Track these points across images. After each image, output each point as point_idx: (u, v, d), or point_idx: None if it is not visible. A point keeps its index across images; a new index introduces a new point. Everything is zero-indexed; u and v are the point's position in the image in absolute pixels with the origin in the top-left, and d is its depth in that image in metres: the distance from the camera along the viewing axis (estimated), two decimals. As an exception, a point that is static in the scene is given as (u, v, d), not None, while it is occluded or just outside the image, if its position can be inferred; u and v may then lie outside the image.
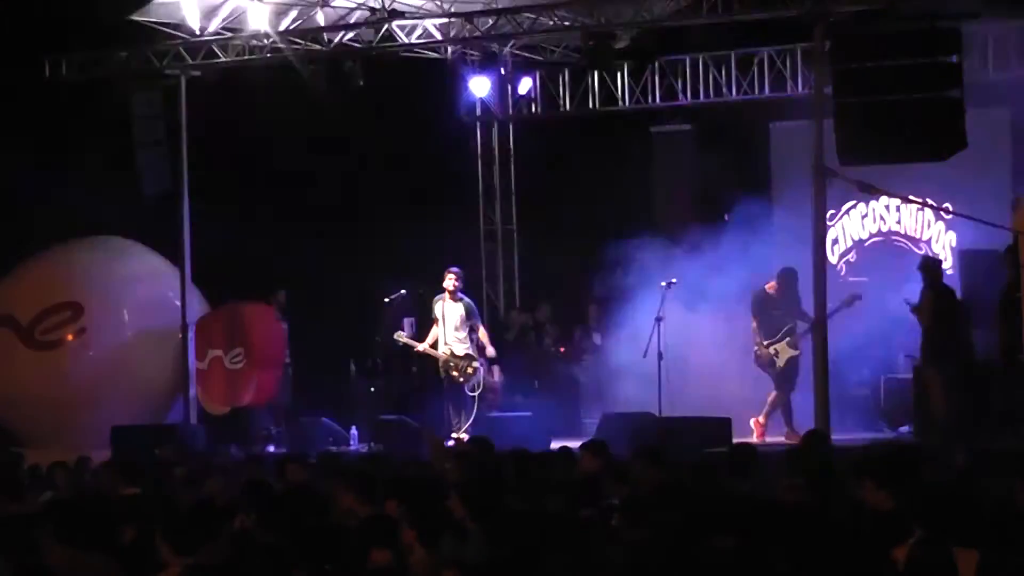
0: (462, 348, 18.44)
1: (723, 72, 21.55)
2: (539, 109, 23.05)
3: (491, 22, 18.89)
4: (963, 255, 19.06)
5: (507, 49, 21.57)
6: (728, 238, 19.28)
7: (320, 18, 19.46)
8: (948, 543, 7.82)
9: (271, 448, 19.23)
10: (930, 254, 18.96)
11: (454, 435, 17.91)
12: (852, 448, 15.17)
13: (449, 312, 18.48)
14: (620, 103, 22.28)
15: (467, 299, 18.75)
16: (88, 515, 9.15)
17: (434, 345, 18.52)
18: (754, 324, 18.28)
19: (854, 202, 20.43)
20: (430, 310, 18.68)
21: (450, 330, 18.46)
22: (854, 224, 20.76)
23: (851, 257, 20.71)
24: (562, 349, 21.19)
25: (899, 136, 15.87)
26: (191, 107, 19.60)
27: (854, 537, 8.41)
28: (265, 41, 19.37)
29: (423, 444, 15.69)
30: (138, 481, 12.37)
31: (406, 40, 19.20)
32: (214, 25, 19.27)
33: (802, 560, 7.81)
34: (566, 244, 21.11)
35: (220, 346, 20.04)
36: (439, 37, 19.34)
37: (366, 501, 10.31)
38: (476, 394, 18.39)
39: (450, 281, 18.47)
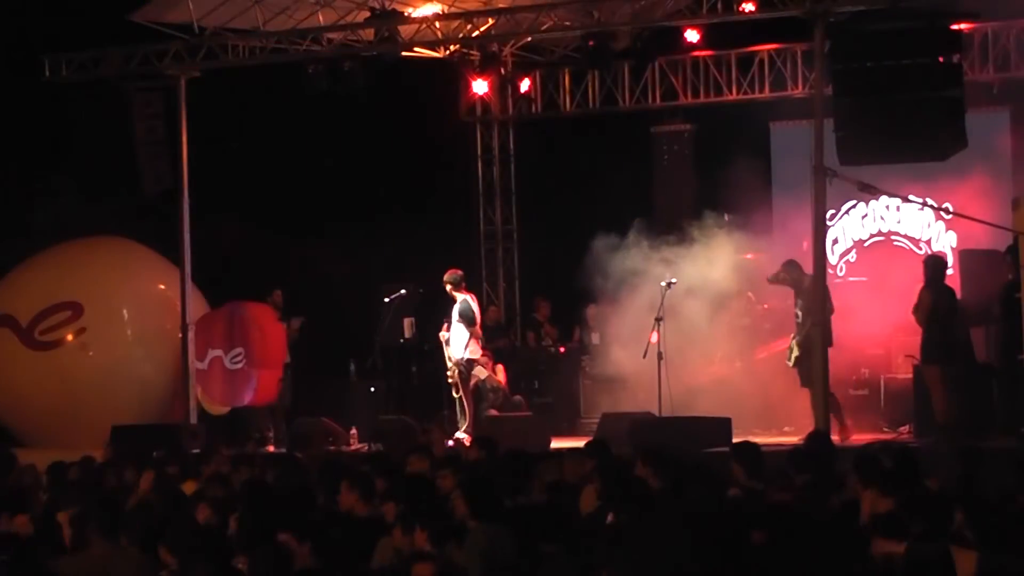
0: (454, 350, 18.56)
1: (723, 72, 21.57)
2: (539, 109, 23.05)
3: (491, 22, 18.89)
4: (963, 255, 19.06)
5: (507, 49, 21.56)
6: (728, 238, 19.30)
7: (320, 18, 19.45)
8: (946, 542, 7.82)
9: (271, 448, 19.23)
10: (935, 253, 18.94)
11: (457, 434, 17.97)
12: (852, 448, 15.17)
13: (454, 311, 18.62)
14: (620, 103, 22.30)
15: (463, 298, 18.74)
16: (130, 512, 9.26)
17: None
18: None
19: (854, 202, 20.44)
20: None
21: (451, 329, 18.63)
22: (854, 224, 20.76)
23: (851, 257, 20.72)
24: (562, 349, 21.18)
25: (899, 136, 15.87)
26: (191, 107, 19.59)
27: (849, 536, 8.43)
28: (265, 41, 19.37)
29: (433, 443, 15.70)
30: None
31: (406, 40, 19.20)
32: (214, 25, 19.26)
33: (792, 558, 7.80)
34: (566, 244, 21.11)
35: (220, 346, 20.02)
36: (439, 37, 19.33)
37: (367, 501, 10.32)
38: (457, 396, 18.47)
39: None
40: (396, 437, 17.90)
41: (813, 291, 16.97)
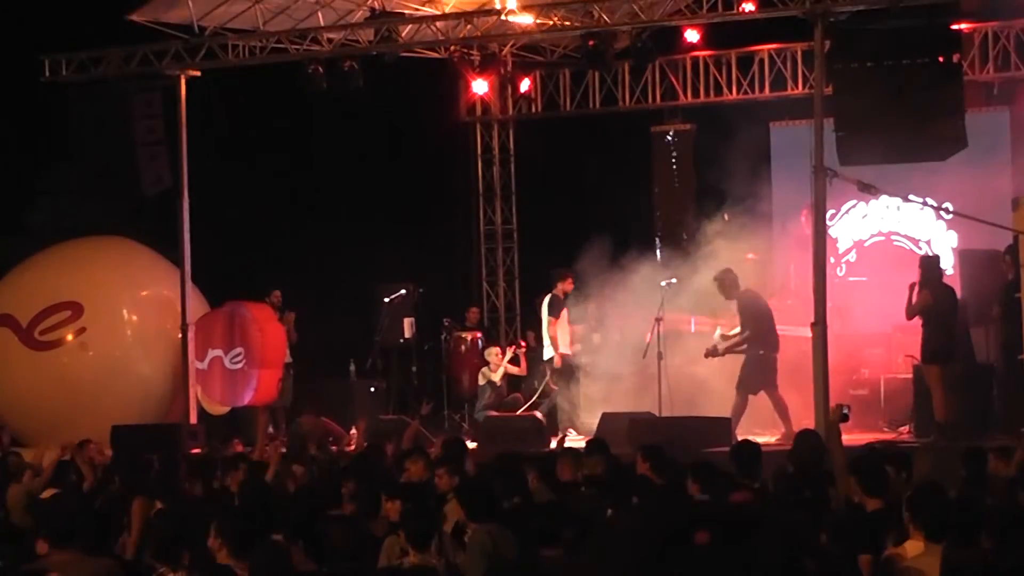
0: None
1: (723, 72, 21.57)
2: (539, 109, 23.06)
3: (491, 22, 18.89)
4: (963, 255, 19.05)
5: (507, 49, 21.55)
6: (728, 238, 19.29)
7: (320, 18, 19.45)
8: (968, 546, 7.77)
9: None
10: (930, 253, 18.94)
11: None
12: (851, 448, 15.15)
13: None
14: (620, 103, 22.30)
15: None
16: (88, 517, 9.13)
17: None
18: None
19: (854, 202, 20.42)
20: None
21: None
22: (854, 224, 20.75)
23: (851, 257, 20.71)
24: (562, 349, 21.17)
25: (899, 136, 15.87)
26: (191, 106, 19.59)
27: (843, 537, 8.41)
28: (265, 41, 19.37)
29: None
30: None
31: (406, 40, 19.19)
32: (214, 25, 19.26)
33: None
34: (565, 244, 21.11)
35: (220, 346, 20.01)
36: (439, 37, 19.33)
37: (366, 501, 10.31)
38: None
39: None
40: (396, 437, 17.88)
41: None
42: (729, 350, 18.18)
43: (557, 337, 19.23)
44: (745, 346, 18.03)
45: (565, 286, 19.36)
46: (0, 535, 10.34)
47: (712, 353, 18.24)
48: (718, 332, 18.36)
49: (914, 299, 17.06)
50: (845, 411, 10.85)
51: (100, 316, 20.93)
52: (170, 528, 8.75)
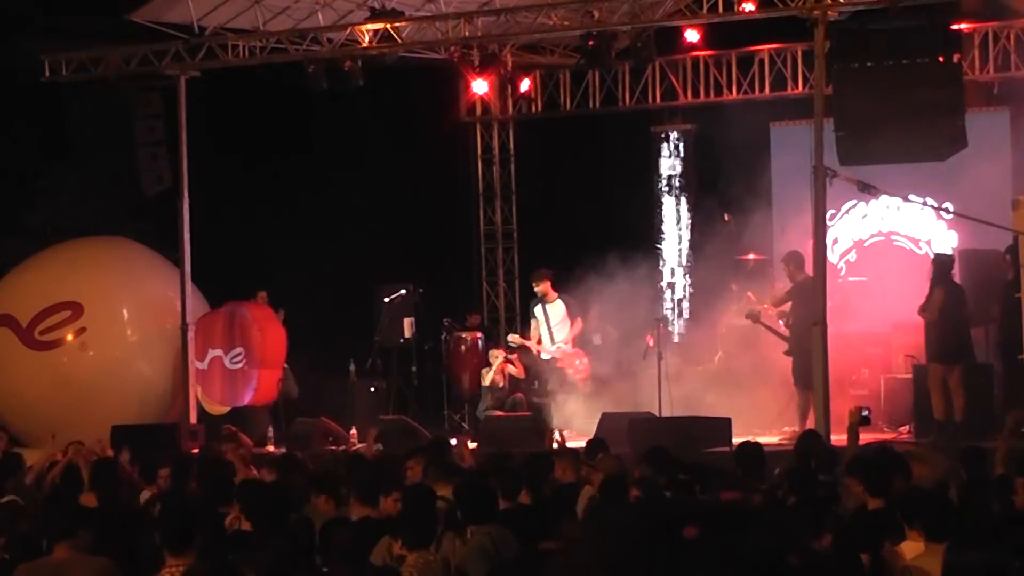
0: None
1: (723, 72, 21.57)
2: (539, 109, 23.05)
3: (491, 22, 18.89)
4: (963, 255, 19.05)
5: (507, 49, 21.54)
6: (728, 238, 19.30)
7: (320, 18, 19.46)
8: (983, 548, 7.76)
9: (270, 448, 19.22)
10: (943, 252, 18.90)
11: None
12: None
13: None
14: (620, 103, 22.29)
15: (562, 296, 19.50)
16: (93, 516, 9.15)
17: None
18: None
19: (854, 202, 20.42)
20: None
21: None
22: (854, 224, 20.76)
23: (851, 257, 20.71)
24: (562, 349, 21.19)
25: (899, 136, 15.88)
26: (191, 106, 19.60)
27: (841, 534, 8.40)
28: (265, 41, 19.37)
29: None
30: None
31: (406, 40, 19.19)
32: (214, 25, 19.26)
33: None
34: (565, 244, 21.12)
35: (220, 346, 20.03)
36: (439, 37, 19.33)
37: (366, 502, 10.30)
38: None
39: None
40: (396, 437, 17.89)
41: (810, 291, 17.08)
42: (772, 330, 18.01)
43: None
44: (788, 333, 17.90)
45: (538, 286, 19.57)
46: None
47: (752, 317, 18.07)
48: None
49: (929, 297, 17.04)
50: (865, 413, 10.81)
51: (100, 316, 20.93)
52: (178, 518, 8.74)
